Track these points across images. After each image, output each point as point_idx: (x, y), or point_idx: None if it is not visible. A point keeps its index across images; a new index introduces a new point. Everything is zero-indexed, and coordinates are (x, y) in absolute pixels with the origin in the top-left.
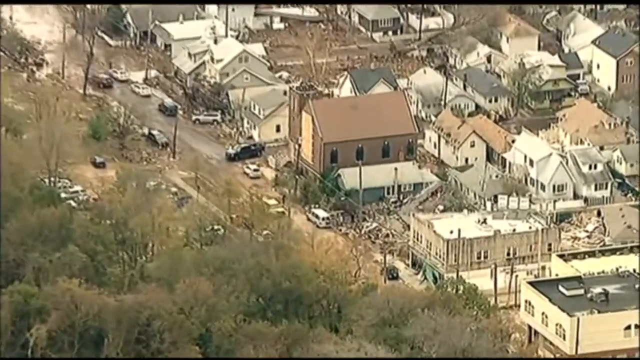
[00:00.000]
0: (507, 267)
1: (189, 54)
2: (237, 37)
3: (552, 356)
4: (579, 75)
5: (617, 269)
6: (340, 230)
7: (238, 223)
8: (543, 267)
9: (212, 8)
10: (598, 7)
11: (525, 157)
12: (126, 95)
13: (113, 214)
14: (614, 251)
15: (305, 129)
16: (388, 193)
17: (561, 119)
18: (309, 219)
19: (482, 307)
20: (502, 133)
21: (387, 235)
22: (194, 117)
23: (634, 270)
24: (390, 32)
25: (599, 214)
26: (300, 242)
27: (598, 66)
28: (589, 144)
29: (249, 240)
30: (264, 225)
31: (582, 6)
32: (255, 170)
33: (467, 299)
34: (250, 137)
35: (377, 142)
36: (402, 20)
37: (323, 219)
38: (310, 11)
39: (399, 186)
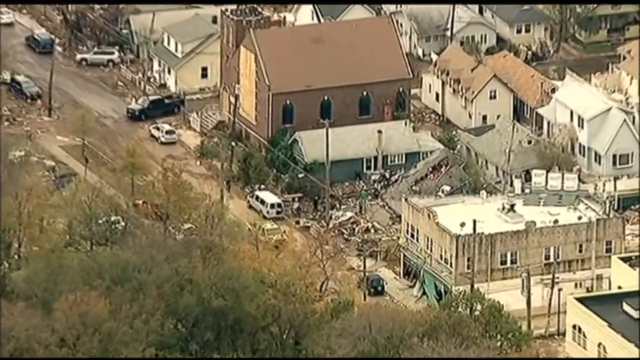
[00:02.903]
0: (547, 277)
1: None
2: None
3: None
4: None
5: None
6: (299, 222)
7: (146, 212)
8: (599, 277)
9: None
10: None
11: (572, 113)
12: None
13: None
14: None
15: (245, 73)
16: (368, 168)
17: (624, 58)
18: (251, 207)
19: (509, 335)
20: (537, 78)
21: (367, 230)
22: (79, 57)
23: None
24: None
25: None
26: (238, 240)
27: None
28: None
29: (162, 237)
30: (185, 215)
31: None
32: (169, 133)
33: (487, 323)
34: (164, 86)
35: (352, 92)
36: None
37: (272, 205)
38: None
39: (385, 157)
